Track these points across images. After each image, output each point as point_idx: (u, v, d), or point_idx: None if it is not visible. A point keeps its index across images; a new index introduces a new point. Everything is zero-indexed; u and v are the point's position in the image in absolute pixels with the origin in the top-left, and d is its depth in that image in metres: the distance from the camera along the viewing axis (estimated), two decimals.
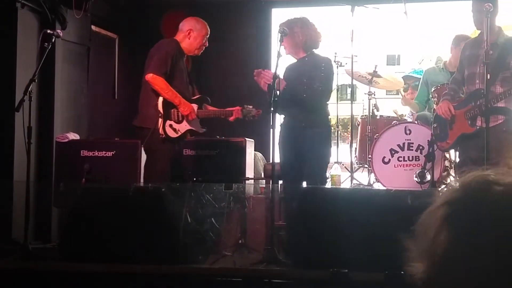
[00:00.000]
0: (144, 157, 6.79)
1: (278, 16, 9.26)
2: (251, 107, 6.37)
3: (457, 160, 6.35)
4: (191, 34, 6.29)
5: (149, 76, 6.04)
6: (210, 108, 6.43)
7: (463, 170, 4.95)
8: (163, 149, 6.12)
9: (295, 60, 6.23)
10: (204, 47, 6.42)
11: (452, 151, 7.15)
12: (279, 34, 5.80)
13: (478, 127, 5.56)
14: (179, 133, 6.17)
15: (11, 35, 6.85)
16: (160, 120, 6.07)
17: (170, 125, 6.12)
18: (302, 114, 6.00)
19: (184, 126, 6.19)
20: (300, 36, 6.11)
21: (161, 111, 6.08)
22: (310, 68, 6.10)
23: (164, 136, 6.08)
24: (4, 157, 6.67)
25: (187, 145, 7.06)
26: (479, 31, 5.97)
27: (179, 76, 6.21)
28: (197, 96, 6.40)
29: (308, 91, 5.97)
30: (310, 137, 5.98)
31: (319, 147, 6.06)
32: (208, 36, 6.43)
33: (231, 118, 6.35)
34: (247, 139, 7.28)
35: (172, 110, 6.12)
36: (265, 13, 9.33)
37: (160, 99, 6.07)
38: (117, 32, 9.04)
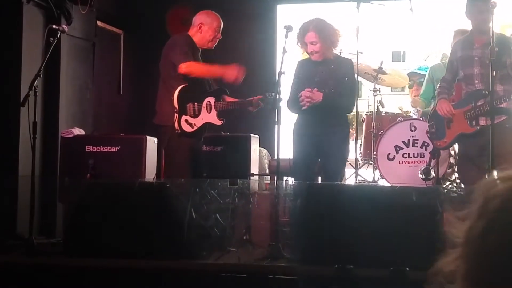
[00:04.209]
0: (153, 153, 6.80)
1: (284, 12, 9.26)
2: (273, 94, 6.22)
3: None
4: (202, 28, 6.30)
5: (182, 68, 6.04)
6: (229, 99, 6.36)
7: (462, 168, 4.91)
8: (179, 144, 6.11)
9: (311, 60, 6.11)
10: (217, 40, 6.39)
11: (457, 148, 7.14)
12: (285, 30, 5.78)
13: (478, 128, 5.56)
14: (196, 127, 6.13)
15: (17, 30, 6.85)
16: (176, 115, 6.06)
17: (186, 120, 6.10)
18: (327, 113, 5.95)
19: (200, 120, 6.16)
20: (336, 36, 6.07)
21: (176, 106, 6.07)
22: (338, 69, 6.07)
23: (179, 131, 6.07)
24: (9, 152, 6.68)
25: None
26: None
27: None
28: (215, 88, 6.36)
29: (342, 93, 5.95)
30: (333, 135, 5.96)
31: (341, 145, 6.07)
32: (222, 28, 6.40)
33: (251, 108, 6.25)
34: (252, 135, 7.27)
35: (188, 105, 6.10)
36: (271, 9, 9.32)
37: (175, 95, 6.06)
38: (123, 28, 9.04)
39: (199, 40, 6.33)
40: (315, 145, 5.99)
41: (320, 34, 5.95)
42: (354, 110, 7.24)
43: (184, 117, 6.10)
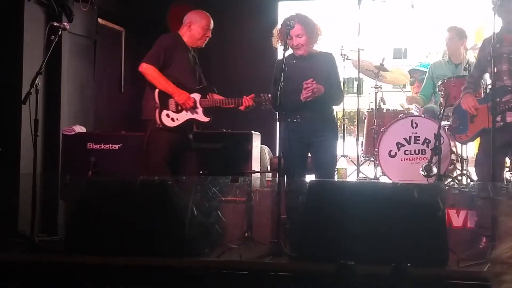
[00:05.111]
0: None
1: (285, 9, 9.25)
2: (269, 95, 6.17)
3: (476, 153, 6.29)
4: (191, 27, 6.36)
5: (142, 67, 6.17)
6: (217, 97, 6.37)
7: (480, 162, 4.92)
8: (160, 138, 6.12)
9: (295, 55, 6.08)
10: (207, 38, 6.43)
11: (458, 145, 7.14)
12: (286, 27, 5.78)
13: (502, 124, 5.57)
14: (178, 122, 6.15)
15: (18, 27, 6.86)
16: (157, 110, 6.09)
17: (167, 115, 6.13)
18: (317, 110, 5.94)
19: (184, 116, 6.18)
20: (318, 31, 6.06)
21: (157, 101, 6.11)
22: (323, 64, 6.07)
23: (160, 125, 6.09)
24: (11, 150, 6.68)
25: (194, 138, 7.08)
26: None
27: (177, 67, 6.22)
28: (201, 86, 6.39)
29: (329, 87, 5.96)
30: (321, 132, 5.97)
31: (331, 141, 6.06)
32: (212, 27, 6.42)
33: (242, 107, 6.23)
34: (253, 132, 7.27)
35: (170, 100, 6.14)
36: (272, 6, 9.31)
37: (157, 90, 6.11)
38: (124, 25, 9.04)
39: (189, 39, 6.39)
40: (305, 143, 5.98)
41: (305, 26, 5.96)
42: (356, 107, 7.26)
43: (165, 112, 6.14)
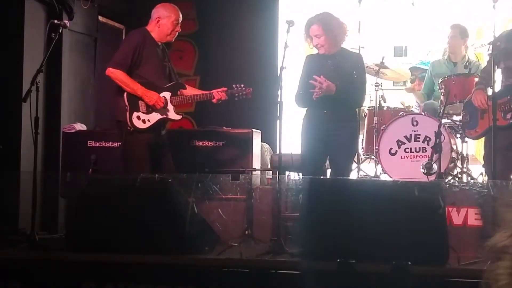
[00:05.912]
0: None
1: (285, 7, 9.25)
2: (242, 86, 6.21)
3: (484, 150, 6.28)
4: (160, 22, 6.23)
5: (109, 71, 6.08)
6: (188, 93, 6.33)
7: (489, 159, 4.93)
8: (134, 140, 6.09)
9: (321, 53, 6.10)
10: (176, 33, 6.34)
11: (459, 143, 7.14)
12: (287, 25, 5.78)
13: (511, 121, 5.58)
14: (149, 124, 6.11)
15: (18, 25, 6.86)
16: (127, 112, 6.06)
17: (138, 117, 6.07)
18: (336, 108, 5.97)
19: (155, 116, 6.14)
20: (341, 31, 6.06)
21: (127, 103, 6.07)
22: (345, 64, 6.07)
23: (131, 128, 6.06)
24: (11, 147, 6.69)
25: (195, 136, 7.08)
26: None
27: (148, 64, 6.16)
28: (171, 84, 6.31)
29: (351, 87, 5.96)
30: (342, 130, 5.98)
31: (350, 140, 6.10)
32: (181, 21, 6.34)
33: (214, 100, 6.19)
34: (254, 130, 7.26)
35: (140, 102, 6.09)
36: (272, 4, 9.31)
37: (125, 93, 6.06)
38: (124, 23, 9.03)
39: (158, 35, 6.27)
40: (324, 140, 6.00)
41: (324, 27, 5.96)
42: None
43: (135, 114, 6.10)
